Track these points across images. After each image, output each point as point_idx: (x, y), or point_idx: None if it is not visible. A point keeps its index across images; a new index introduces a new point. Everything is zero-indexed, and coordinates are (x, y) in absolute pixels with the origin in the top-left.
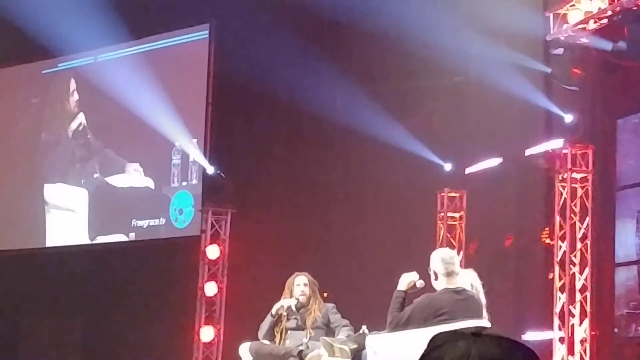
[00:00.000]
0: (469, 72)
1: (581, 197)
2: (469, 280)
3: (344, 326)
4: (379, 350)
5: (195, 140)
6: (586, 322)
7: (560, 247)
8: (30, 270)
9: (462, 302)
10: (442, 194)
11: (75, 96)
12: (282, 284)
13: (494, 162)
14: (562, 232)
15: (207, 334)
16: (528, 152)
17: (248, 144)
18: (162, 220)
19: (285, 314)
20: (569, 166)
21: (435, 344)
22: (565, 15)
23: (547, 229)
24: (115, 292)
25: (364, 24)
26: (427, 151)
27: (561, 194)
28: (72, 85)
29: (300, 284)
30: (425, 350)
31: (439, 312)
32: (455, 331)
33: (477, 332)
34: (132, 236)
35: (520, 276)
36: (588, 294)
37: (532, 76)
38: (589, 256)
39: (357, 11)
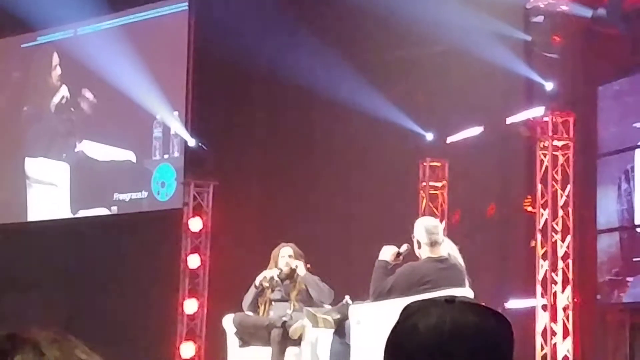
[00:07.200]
0: (449, 41)
1: (562, 164)
2: (447, 249)
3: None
4: (362, 320)
5: (176, 113)
6: (568, 289)
7: (542, 214)
8: (11, 245)
9: (445, 271)
10: (424, 164)
11: (58, 70)
12: (266, 256)
13: (475, 131)
14: (544, 200)
15: (190, 306)
16: (509, 120)
17: (229, 116)
18: (144, 194)
19: (268, 285)
20: (550, 134)
21: (409, 312)
22: None
23: (528, 197)
24: (98, 266)
25: None
26: (408, 121)
27: (542, 162)
28: (55, 59)
29: (285, 255)
30: (399, 319)
31: (422, 281)
32: (428, 299)
33: (450, 299)
34: (114, 210)
35: (502, 244)
36: (570, 261)
37: (513, 44)
38: (570, 223)
39: None
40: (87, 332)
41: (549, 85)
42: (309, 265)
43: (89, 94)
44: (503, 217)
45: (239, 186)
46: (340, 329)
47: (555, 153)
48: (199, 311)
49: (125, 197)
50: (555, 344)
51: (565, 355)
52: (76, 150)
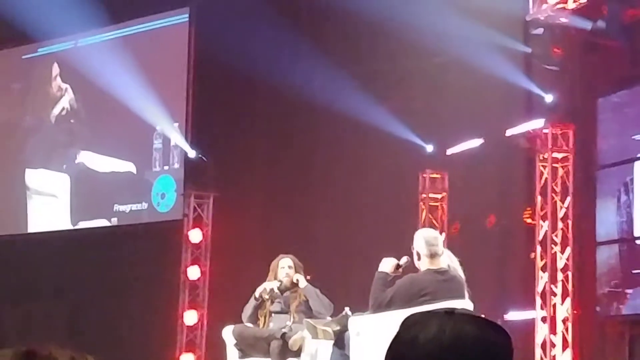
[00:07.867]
0: (449, 53)
1: (562, 176)
2: (446, 261)
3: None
4: (362, 331)
5: (176, 124)
6: (568, 301)
7: (542, 226)
8: (12, 257)
9: (444, 283)
10: (424, 175)
11: (58, 81)
12: (265, 267)
13: (475, 143)
14: (544, 211)
15: (190, 317)
16: (509, 132)
17: (229, 127)
18: (145, 205)
19: (268, 296)
20: (550, 146)
21: (409, 323)
22: None
23: (528, 208)
24: (98, 278)
25: (343, 5)
26: (408, 133)
27: (542, 173)
28: (55, 70)
29: (284, 267)
30: (399, 330)
31: (421, 293)
32: (428, 311)
33: (450, 311)
34: (115, 221)
35: (502, 256)
36: (570, 273)
37: (513, 56)
38: (570, 235)
39: None
40: (87, 343)
41: (548, 97)
42: (309, 277)
43: (89, 105)
44: (503, 229)
45: (239, 197)
46: (340, 341)
47: (554, 165)
48: (199, 322)
49: (126, 208)
50: (554, 356)
51: None
52: (76, 161)
